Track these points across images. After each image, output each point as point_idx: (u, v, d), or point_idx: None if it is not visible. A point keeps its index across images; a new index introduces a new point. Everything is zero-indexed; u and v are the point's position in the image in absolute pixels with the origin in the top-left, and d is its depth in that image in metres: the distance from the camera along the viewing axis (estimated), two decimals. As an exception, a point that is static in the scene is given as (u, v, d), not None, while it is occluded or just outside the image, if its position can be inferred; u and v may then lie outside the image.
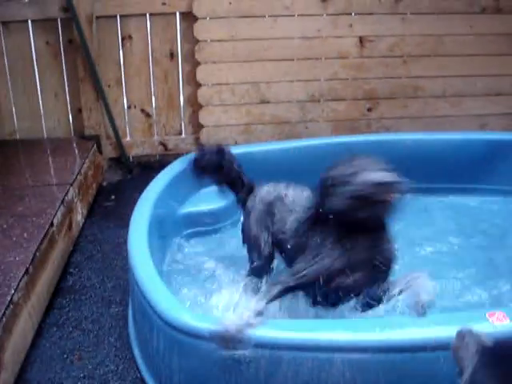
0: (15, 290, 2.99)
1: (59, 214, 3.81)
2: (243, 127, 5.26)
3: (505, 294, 3.28)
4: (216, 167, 3.30)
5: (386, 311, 2.74)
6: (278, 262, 3.18)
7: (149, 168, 5.11)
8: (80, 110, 5.12)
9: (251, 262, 3.19)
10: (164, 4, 4.95)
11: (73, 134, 5.22)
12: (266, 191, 3.21)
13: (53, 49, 4.98)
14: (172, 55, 5.14)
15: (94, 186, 4.78)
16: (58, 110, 5.17)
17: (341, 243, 2.68)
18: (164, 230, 3.65)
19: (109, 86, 5.12)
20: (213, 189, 3.51)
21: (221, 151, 3.32)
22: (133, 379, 2.96)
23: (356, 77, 5.22)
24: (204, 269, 3.58)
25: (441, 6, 5.08)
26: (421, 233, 3.88)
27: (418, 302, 2.57)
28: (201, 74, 5.08)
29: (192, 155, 3.44)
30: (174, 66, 5.19)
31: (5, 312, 2.85)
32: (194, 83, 5.15)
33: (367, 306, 2.76)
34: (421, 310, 2.55)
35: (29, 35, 4.93)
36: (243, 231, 3.29)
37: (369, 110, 5.32)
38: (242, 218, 3.36)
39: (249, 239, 3.21)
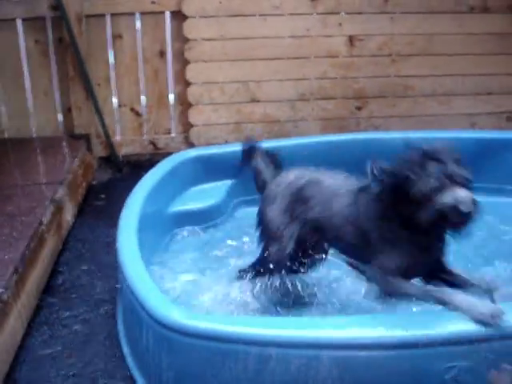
0: (5, 289, 2.99)
1: (48, 213, 3.80)
2: (233, 126, 5.27)
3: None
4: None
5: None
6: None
7: (139, 167, 5.09)
8: (70, 109, 5.12)
9: (265, 251, 3.06)
10: (154, 3, 4.97)
11: (62, 133, 5.21)
12: (293, 176, 3.05)
13: (42, 47, 4.98)
14: (162, 54, 5.15)
15: (84, 185, 4.77)
16: (47, 109, 5.17)
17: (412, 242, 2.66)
18: (153, 229, 3.65)
19: (98, 84, 5.12)
20: (202, 187, 3.51)
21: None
22: (122, 377, 2.95)
23: (345, 76, 5.25)
24: (193, 267, 3.59)
25: (429, 6, 5.12)
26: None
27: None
28: (191, 72, 5.09)
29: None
30: (163, 65, 5.21)
31: (-6, 311, 2.85)
32: (183, 82, 5.16)
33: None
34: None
35: (18, 34, 4.93)
36: (261, 219, 3.10)
37: (358, 108, 5.34)
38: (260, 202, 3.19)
39: (268, 230, 3.04)
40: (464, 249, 3.42)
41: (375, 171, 2.58)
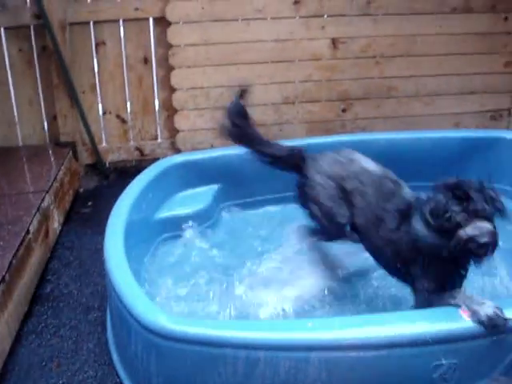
0: (-9, 299, 2.99)
1: (35, 222, 3.79)
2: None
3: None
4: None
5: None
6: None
7: (125, 173, 5.10)
8: (55, 117, 5.11)
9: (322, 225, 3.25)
10: (137, 9, 4.96)
11: (48, 141, 5.20)
12: (332, 160, 3.24)
13: (26, 56, 4.96)
14: (146, 60, 5.14)
15: (71, 193, 4.76)
16: (32, 118, 5.15)
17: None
18: (140, 235, 3.65)
19: (83, 92, 5.12)
20: (188, 192, 3.52)
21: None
22: (112, 384, 2.97)
23: (330, 78, 5.26)
24: (181, 273, 3.59)
25: (412, 7, 5.14)
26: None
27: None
28: (175, 78, 5.09)
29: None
30: (148, 71, 5.20)
31: (-19, 321, 2.85)
32: (168, 88, 5.16)
33: None
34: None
35: (1, 43, 4.91)
36: (306, 202, 3.29)
37: (343, 110, 5.36)
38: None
39: (320, 211, 3.21)
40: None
41: (428, 217, 2.69)
